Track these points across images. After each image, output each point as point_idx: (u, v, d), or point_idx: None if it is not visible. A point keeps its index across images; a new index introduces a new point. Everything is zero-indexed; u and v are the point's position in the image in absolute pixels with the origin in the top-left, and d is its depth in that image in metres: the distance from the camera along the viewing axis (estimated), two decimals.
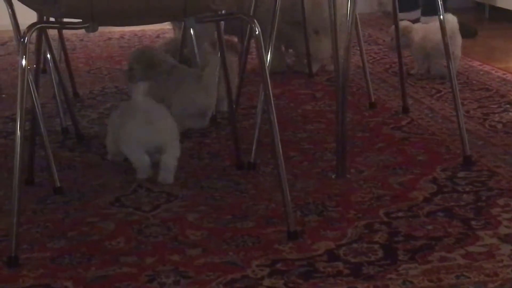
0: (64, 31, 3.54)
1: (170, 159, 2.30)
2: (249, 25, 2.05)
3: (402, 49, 3.04)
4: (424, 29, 3.49)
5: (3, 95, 3.30)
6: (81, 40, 4.44)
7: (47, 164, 2.29)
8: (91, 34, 4.29)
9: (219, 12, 2.14)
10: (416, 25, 3.56)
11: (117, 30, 4.66)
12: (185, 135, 2.72)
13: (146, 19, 2.01)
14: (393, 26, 3.45)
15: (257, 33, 1.96)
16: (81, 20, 1.90)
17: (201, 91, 2.69)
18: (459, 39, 3.34)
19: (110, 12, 1.86)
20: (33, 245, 1.94)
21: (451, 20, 3.21)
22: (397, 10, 2.97)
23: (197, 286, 1.73)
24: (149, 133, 2.26)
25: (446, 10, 3.27)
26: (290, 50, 3.78)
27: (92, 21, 1.88)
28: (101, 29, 4.69)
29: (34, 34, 1.96)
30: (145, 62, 2.76)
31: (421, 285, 1.71)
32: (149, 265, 1.83)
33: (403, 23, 3.45)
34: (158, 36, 4.55)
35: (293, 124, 2.87)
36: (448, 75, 2.50)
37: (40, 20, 2.19)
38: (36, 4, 1.97)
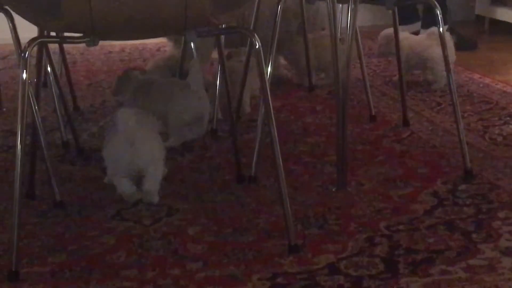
0: (65, 45, 3.54)
1: (151, 183, 2.23)
2: (249, 39, 2.05)
3: (386, 56, 3.09)
4: (408, 40, 3.52)
5: (4, 109, 3.31)
6: (82, 53, 4.45)
7: (47, 177, 2.29)
8: (92, 48, 4.29)
9: (220, 26, 2.14)
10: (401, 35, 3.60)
11: (118, 43, 4.67)
12: (185, 148, 2.72)
13: (147, 33, 2.01)
14: (381, 34, 3.60)
15: (257, 47, 1.96)
16: (81, 35, 1.90)
17: (191, 97, 2.68)
18: (438, 50, 3.32)
19: (110, 26, 1.87)
20: (34, 259, 1.94)
21: (435, 32, 3.24)
22: (397, 23, 2.97)
23: None
24: (129, 157, 2.21)
25: (446, 23, 3.28)
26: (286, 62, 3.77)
27: (93, 35, 1.88)
28: (102, 42, 4.68)
29: (35, 48, 1.97)
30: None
31: None
32: (150, 279, 1.83)
33: (386, 31, 3.55)
34: (159, 49, 4.56)
35: (293, 137, 2.87)
36: (448, 88, 2.51)
37: (41, 35, 2.20)
38: (37, 19, 1.97)
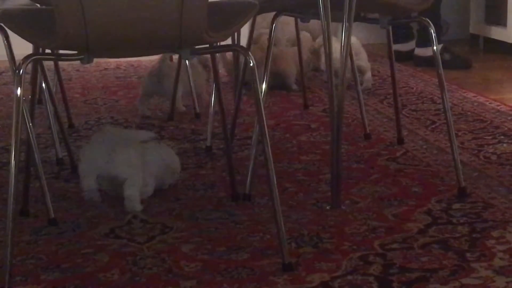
0: (60, 62, 3.55)
1: (130, 189, 2.32)
2: (244, 57, 2.05)
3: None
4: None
5: None
6: (77, 70, 4.46)
7: (41, 195, 2.29)
8: (87, 65, 4.29)
9: (215, 44, 2.15)
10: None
11: (113, 60, 4.68)
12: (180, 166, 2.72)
13: (141, 51, 2.02)
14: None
15: (251, 65, 1.97)
16: (76, 52, 1.91)
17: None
18: (364, 55, 3.96)
19: (105, 44, 1.87)
20: (27, 277, 1.93)
21: (355, 41, 3.78)
22: (391, 42, 2.98)
23: None
24: (104, 163, 2.33)
25: (440, 41, 3.30)
26: None
27: (87, 53, 1.89)
28: (97, 59, 4.70)
29: (30, 65, 1.97)
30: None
31: None
32: None
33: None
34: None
35: (288, 155, 2.87)
36: (442, 107, 2.52)
37: (35, 52, 2.20)
38: (31, 36, 1.98)
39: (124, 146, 2.36)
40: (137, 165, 2.36)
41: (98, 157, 2.35)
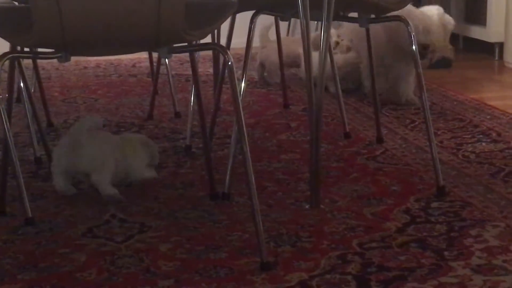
0: (39, 60, 3.53)
1: (95, 176, 2.36)
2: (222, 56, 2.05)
3: None
4: (286, 40, 3.90)
5: None
6: (57, 69, 4.44)
7: (19, 194, 2.27)
8: (67, 63, 4.28)
9: (193, 42, 2.14)
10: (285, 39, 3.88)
11: (93, 59, 4.66)
12: (159, 164, 2.71)
13: (119, 49, 2.01)
14: None
15: (229, 63, 1.96)
16: (53, 50, 1.90)
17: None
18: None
19: (82, 42, 1.86)
20: (4, 276, 1.92)
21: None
22: (370, 41, 2.98)
23: None
24: (72, 159, 2.38)
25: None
26: None
27: (65, 51, 1.88)
28: (77, 58, 4.69)
29: (8, 63, 1.96)
30: None
31: None
32: None
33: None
34: (134, 65, 4.55)
35: (268, 154, 2.87)
36: (421, 107, 2.52)
37: (12, 50, 2.19)
38: (8, 34, 1.96)
39: (89, 139, 2.38)
40: (105, 159, 2.38)
41: (64, 155, 2.39)
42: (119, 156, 2.43)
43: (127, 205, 2.36)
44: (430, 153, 2.48)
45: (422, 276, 1.89)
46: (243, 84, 2.41)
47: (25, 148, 2.92)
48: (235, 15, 2.94)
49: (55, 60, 2.00)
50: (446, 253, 2.01)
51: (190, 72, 3.21)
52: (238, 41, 3.09)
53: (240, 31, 2.89)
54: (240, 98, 2.01)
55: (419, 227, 2.18)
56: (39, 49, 2.07)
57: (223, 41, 3.24)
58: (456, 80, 4.10)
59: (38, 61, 3.39)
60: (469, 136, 3.07)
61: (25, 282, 1.89)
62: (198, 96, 2.51)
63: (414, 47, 2.46)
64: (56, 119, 3.35)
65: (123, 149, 2.45)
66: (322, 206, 2.35)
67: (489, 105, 3.51)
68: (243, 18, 2.61)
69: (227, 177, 2.41)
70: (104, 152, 2.40)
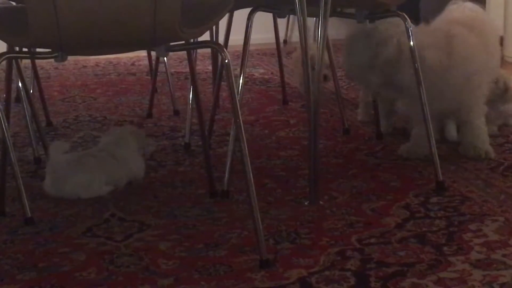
0: (39, 60, 3.53)
1: (87, 195, 2.41)
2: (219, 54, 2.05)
3: None
4: None
5: None
6: (56, 68, 4.44)
7: (18, 194, 2.27)
8: (66, 63, 4.27)
9: (190, 41, 2.14)
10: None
11: (92, 58, 4.66)
12: (158, 163, 2.71)
13: (115, 48, 2.01)
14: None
15: (226, 61, 1.96)
16: (50, 50, 1.90)
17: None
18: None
19: (78, 42, 1.86)
20: (3, 277, 1.92)
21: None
22: None
23: None
24: (49, 185, 2.44)
25: None
26: None
27: (61, 51, 1.88)
28: (76, 57, 4.69)
29: (6, 64, 1.95)
30: None
31: None
32: None
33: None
34: (133, 64, 4.55)
35: (267, 151, 2.87)
36: (420, 102, 2.52)
37: (9, 50, 2.18)
38: (4, 35, 1.96)
39: (66, 166, 2.42)
40: (85, 175, 2.42)
41: (52, 186, 2.44)
42: (107, 162, 2.47)
43: (126, 204, 2.36)
44: (429, 148, 2.48)
45: (422, 271, 1.89)
46: (241, 81, 2.41)
47: (24, 148, 2.91)
48: (233, 13, 2.95)
49: (54, 60, 2.00)
50: (445, 248, 2.01)
51: (188, 70, 3.21)
52: (239, 38, 3.09)
53: (241, 28, 2.89)
54: (238, 96, 2.01)
55: (419, 223, 2.18)
56: (37, 49, 2.07)
57: (221, 39, 3.25)
58: None
59: (37, 60, 3.39)
60: None
61: (25, 282, 1.89)
62: (196, 94, 2.51)
63: (412, 43, 2.46)
64: (56, 118, 3.35)
65: (111, 153, 2.49)
66: (321, 202, 2.35)
67: None
68: (243, 14, 2.61)
69: (226, 175, 2.41)
70: (85, 171, 2.43)
